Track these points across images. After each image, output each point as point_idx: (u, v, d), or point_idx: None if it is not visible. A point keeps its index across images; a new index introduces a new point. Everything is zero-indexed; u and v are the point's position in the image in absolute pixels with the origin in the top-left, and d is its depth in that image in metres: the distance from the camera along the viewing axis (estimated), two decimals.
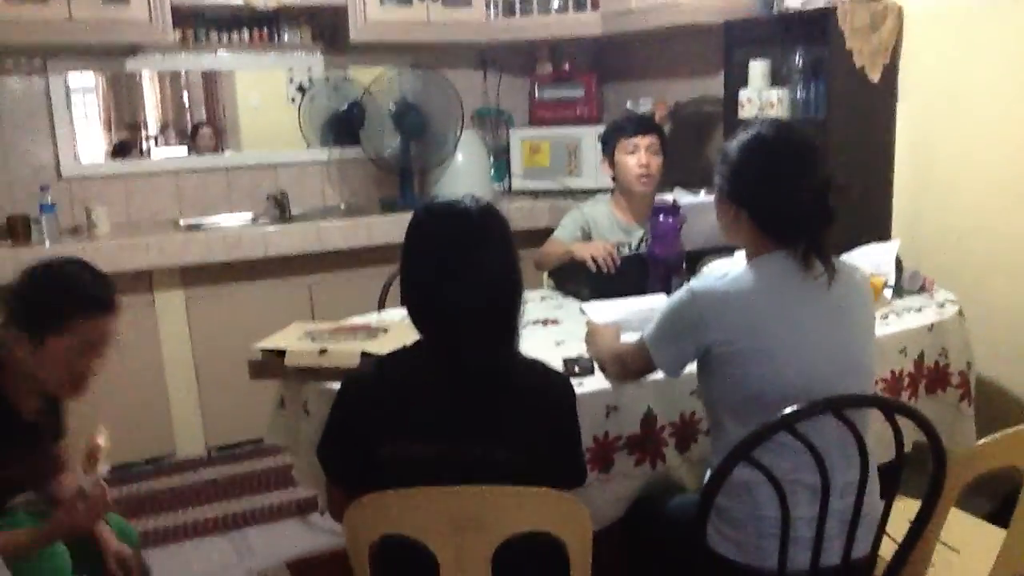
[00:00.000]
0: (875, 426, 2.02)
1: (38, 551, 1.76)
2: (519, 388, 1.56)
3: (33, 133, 3.67)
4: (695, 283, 1.69)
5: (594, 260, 2.65)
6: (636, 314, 2.25)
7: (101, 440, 1.86)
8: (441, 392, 1.54)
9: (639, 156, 2.83)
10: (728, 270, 1.70)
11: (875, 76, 2.98)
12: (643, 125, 2.90)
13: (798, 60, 3.14)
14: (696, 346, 1.66)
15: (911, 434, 1.62)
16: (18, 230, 3.41)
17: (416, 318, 1.59)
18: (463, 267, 1.52)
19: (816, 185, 1.61)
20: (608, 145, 2.91)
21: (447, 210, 1.59)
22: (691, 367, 1.76)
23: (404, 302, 1.61)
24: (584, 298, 2.64)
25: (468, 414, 1.52)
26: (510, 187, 4.36)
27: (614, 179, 2.92)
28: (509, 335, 1.58)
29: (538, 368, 1.62)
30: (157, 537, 2.97)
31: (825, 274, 1.63)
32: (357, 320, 2.45)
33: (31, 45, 3.45)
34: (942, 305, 2.44)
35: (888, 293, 2.50)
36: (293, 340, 2.12)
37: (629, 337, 2.06)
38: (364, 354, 1.98)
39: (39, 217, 3.43)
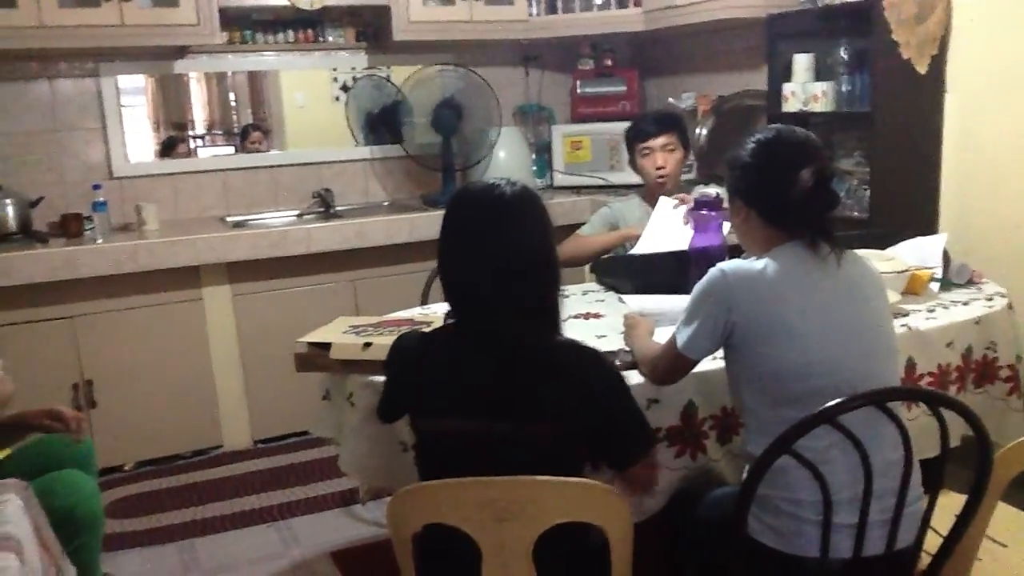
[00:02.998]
0: (921, 419, 2.01)
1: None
2: (553, 367, 1.58)
3: (86, 134, 3.77)
4: (724, 264, 1.74)
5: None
6: (674, 308, 2.25)
7: None
8: (474, 369, 1.58)
9: (654, 159, 2.86)
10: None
11: (922, 68, 2.94)
12: (655, 126, 2.90)
13: (842, 53, 3.11)
14: (724, 323, 1.69)
15: (959, 428, 1.61)
16: (71, 227, 3.51)
17: (451, 296, 1.65)
18: (495, 245, 1.56)
19: (814, 174, 1.67)
20: (628, 149, 2.98)
21: (483, 190, 1.64)
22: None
23: (441, 281, 1.67)
24: (625, 292, 2.64)
25: (500, 391, 1.56)
26: (552, 183, 4.37)
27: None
28: (543, 314, 1.61)
29: (574, 347, 1.64)
30: (205, 526, 3.03)
31: (833, 254, 1.70)
32: (400, 314, 2.48)
33: (84, 49, 3.54)
34: (991, 298, 2.40)
35: (935, 286, 2.46)
36: (338, 334, 2.16)
37: (664, 332, 2.07)
38: None
39: (91, 214, 3.53)
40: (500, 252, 1.56)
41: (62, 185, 3.74)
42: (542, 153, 4.45)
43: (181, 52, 3.84)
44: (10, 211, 3.46)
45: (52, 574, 1.51)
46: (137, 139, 3.97)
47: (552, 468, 1.46)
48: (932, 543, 1.64)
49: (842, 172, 3.18)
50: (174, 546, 2.92)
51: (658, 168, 2.87)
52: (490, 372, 1.57)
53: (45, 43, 3.31)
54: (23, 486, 1.53)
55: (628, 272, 2.68)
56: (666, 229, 2.70)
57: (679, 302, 2.33)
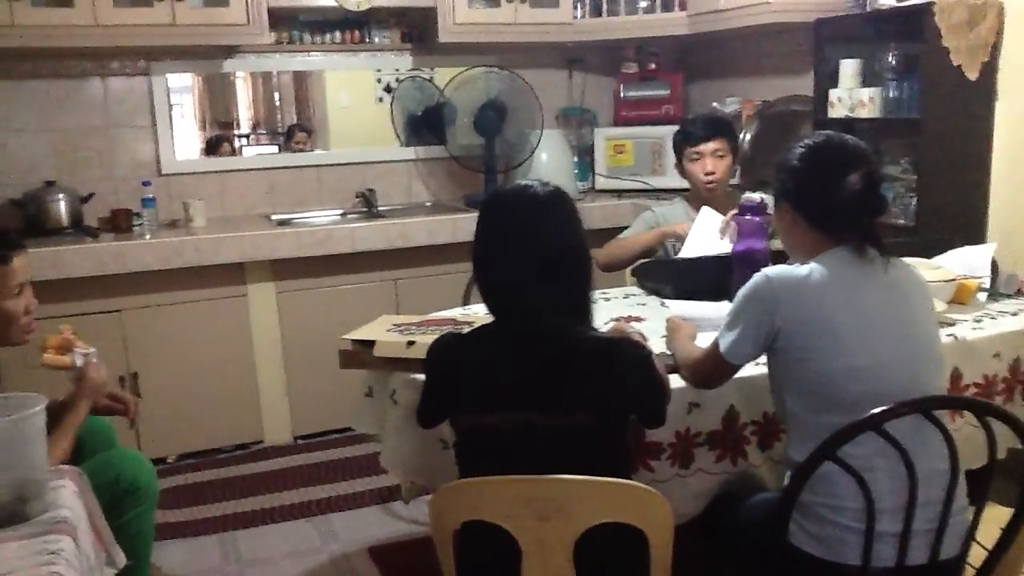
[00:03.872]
0: (965, 430, 1.99)
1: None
2: (590, 361, 1.61)
3: (136, 131, 3.85)
4: (769, 270, 1.74)
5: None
6: (716, 315, 2.25)
7: (67, 330, 2.12)
8: (513, 365, 1.61)
9: (703, 163, 2.85)
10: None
11: (973, 74, 2.90)
12: (706, 131, 2.88)
13: (891, 58, 3.08)
14: (768, 328, 1.68)
15: (1006, 440, 1.59)
16: (121, 222, 3.59)
17: (486, 295, 1.70)
18: (530, 242, 1.61)
19: (863, 177, 1.67)
20: (676, 153, 2.96)
21: (516, 191, 1.70)
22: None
23: (476, 281, 1.72)
24: (667, 296, 2.64)
25: (538, 387, 1.59)
26: (594, 186, 4.37)
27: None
28: (577, 310, 1.65)
29: (608, 341, 1.69)
30: (245, 519, 3.08)
31: (880, 260, 1.70)
32: (443, 314, 2.50)
33: (136, 48, 3.62)
34: None
35: (982, 296, 2.43)
36: (381, 332, 2.18)
37: (707, 337, 2.07)
38: None
39: (140, 210, 3.60)
40: (535, 249, 1.61)
41: (112, 181, 3.81)
42: (584, 156, 4.45)
43: (230, 52, 3.90)
44: (62, 206, 3.55)
45: (103, 559, 1.55)
46: (184, 137, 4.04)
47: (593, 460, 1.48)
48: (977, 556, 1.62)
49: (889, 179, 3.14)
50: (215, 537, 2.97)
51: (707, 174, 2.85)
52: (528, 368, 1.60)
53: (100, 42, 3.40)
54: (77, 472, 1.57)
55: (670, 276, 2.68)
56: (708, 240, 2.69)
57: (721, 309, 2.33)
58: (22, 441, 1.36)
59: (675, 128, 3.08)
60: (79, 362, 2.06)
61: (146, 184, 3.64)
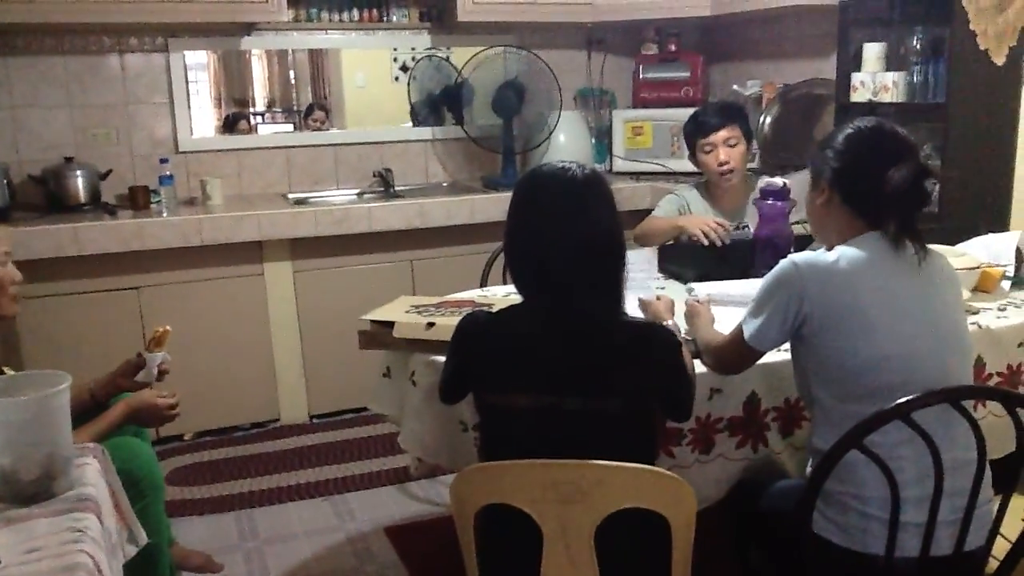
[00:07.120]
0: (989, 419, 1.97)
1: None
2: (624, 345, 1.61)
3: (153, 108, 3.84)
4: (796, 256, 1.72)
5: (705, 235, 2.64)
6: (741, 291, 2.24)
7: (167, 327, 2.25)
8: (545, 345, 1.60)
9: (716, 154, 2.80)
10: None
11: (1000, 60, 2.86)
12: (716, 120, 2.81)
13: (916, 42, 3.03)
14: (795, 315, 1.67)
15: None
16: (139, 200, 3.58)
17: (519, 276, 1.67)
18: (566, 224, 1.59)
19: (912, 169, 1.63)
20: (688, 145, 2.91)
21: (553, 171, 1.67)
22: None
23: (507, 260, 1.70)
24: (687, 280, 2.62)
25: (571, 367, 1.58)
26: (611, 168, 4.35)
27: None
28: (611, 293, 1.64)
29: (642, 326, 1.70)
30: (262, 497, 3.09)
31: (916, 254, 1.67)
32: (461, 295, 2.49)
33: (155, 24, 3.60)
34: None
35: (1006, 285, 2.41)
36: (400, 313, 2.18)
37: (726, 311, 2.06)
38: None
39: (158, 188, 3.60)
40: (573, 231, 1.59)
41: (130, 158, 3.81)
42: (602, 138, 4.42)
43: (248, 29, 3.88)
44: (81, 183, 3.55)
45: (125, 536, 1.56)
46: (201, 115, 4.02)
47: (619, 445, 1.48)
48: (1001, 548, 1.61)
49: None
50: (232, 515, 2.99)
51: (721, 164, 2.80)
52: (561, 348, 1.59)
53: (118, 17, 3.38)
54: (100, 450, 1.58)
55: (692, 260, 2.66)
56: None
57: (747, 286, 2.32)
58: (49, 417, 1.37)
59: (695, 110, 3.04)
60: (150, 362, 2.20)
61: (163, 161, 3.64)
